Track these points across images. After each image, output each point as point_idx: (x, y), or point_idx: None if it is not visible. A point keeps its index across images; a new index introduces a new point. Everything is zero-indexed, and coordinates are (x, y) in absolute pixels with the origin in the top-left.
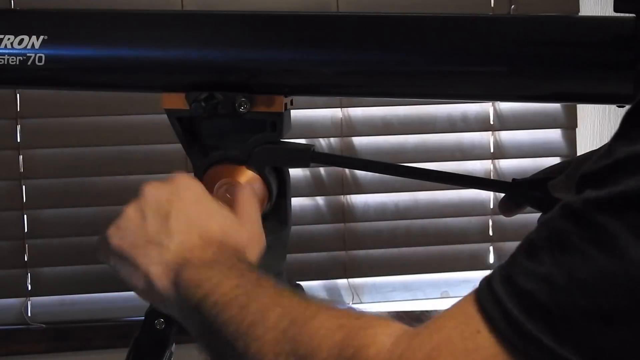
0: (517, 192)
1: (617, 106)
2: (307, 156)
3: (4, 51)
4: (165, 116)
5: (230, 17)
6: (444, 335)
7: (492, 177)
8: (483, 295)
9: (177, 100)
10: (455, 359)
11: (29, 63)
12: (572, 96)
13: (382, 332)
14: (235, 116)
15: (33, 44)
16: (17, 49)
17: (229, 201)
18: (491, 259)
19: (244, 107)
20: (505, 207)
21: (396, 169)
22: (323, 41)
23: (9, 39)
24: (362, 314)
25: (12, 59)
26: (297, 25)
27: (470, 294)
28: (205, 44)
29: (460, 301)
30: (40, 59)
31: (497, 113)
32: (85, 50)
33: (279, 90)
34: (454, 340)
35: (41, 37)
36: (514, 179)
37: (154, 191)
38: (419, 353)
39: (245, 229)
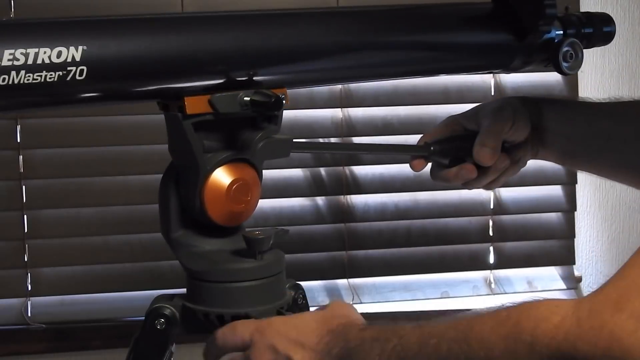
0: (431, 154)
1: (502, 72)
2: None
3: (40, 67)
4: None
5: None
6: (629, 281)
7: None
8: None
9: (200, 104)
10: None
11: (69, 78)
12: (466, 68)
13: (551, 304)
14: (267, 112)
15: (73, 56)
16: (55, 63)
17: (243, 201)
18: (491, 259)
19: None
20: (417, 165)
21: (334, 146)
22: (329, 36)
23: (45, 52)
24: (514, 304)
25: (51, 75)
26: (304, 21)
27: None
28: (241, 42)
29: (637, 253)
30: (81, 72)
31: None
32: (132, 58)
33: (284, 83)
34: (639, 282)
35: (80, 48)
36: (426, 142)
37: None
38: (608, 303)
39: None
